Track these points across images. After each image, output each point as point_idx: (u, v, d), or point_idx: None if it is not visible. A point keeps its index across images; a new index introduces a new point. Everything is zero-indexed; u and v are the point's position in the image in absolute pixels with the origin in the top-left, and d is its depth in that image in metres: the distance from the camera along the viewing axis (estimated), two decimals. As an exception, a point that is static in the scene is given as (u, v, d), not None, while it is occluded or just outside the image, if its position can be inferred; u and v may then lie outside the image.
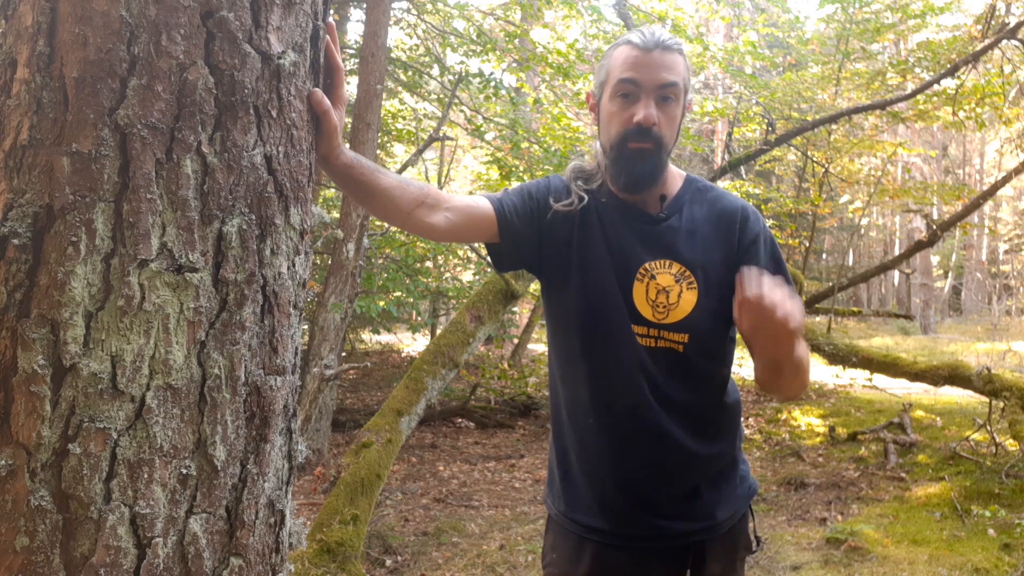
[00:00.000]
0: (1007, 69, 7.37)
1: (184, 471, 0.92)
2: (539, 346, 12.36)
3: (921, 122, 8.37)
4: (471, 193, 3.19)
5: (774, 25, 11.05)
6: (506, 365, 9.07)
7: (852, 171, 9.59)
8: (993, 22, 7.19)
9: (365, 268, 6.34)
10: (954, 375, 5.37)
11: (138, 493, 0.89)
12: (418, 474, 5.88)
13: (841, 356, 5.96)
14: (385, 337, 13.48)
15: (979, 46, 6.89)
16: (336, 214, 6.93)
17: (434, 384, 4.25)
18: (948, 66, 6.87)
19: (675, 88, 1.41)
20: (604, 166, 1.51)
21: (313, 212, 1.13)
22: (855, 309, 10.07)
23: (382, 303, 6.60)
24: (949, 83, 7.29)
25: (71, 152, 0.89)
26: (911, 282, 17.97)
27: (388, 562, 3.95)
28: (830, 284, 8.77)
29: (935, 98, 7.50)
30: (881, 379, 6.52)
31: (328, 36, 1.15)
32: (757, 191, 10.20)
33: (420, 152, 5.12)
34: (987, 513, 4.37)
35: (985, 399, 5.50)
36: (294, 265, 1.05)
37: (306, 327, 5.85)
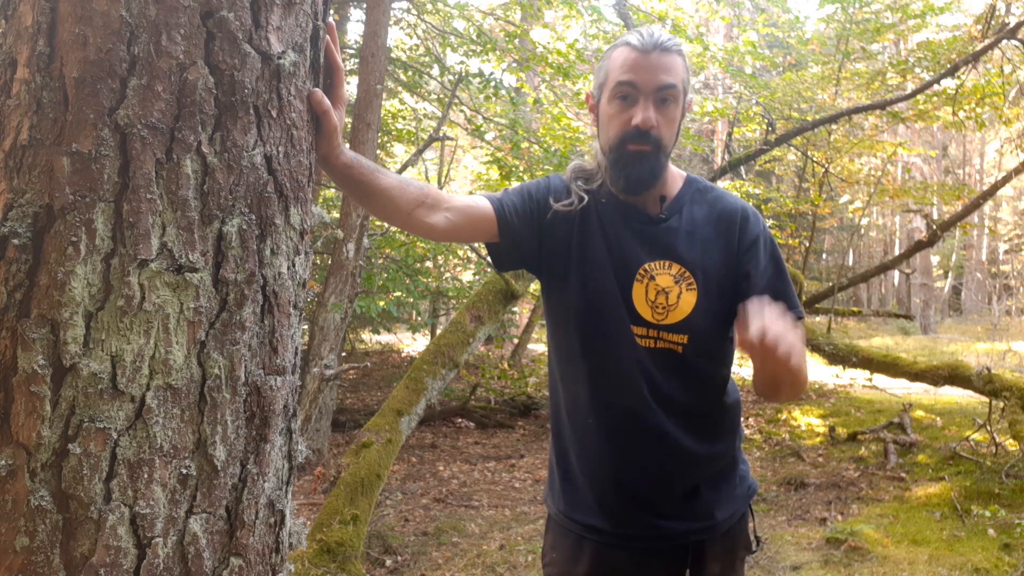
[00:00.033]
0: (1007, 69, 7.37)
1: (184, 471, 0.92)
2: (539, 346, 12.36)
3: (921, 122, 8.37)
4: (471, 193, 3.19)
5: (774, 25, 11.05)
6: (506, 365, 9.06)
7: (852, 171, 9.59)
8: (993, 22, 7.19)
9: (365, 268, 6.35)
10: (954, 375, 5.37)
11: (138, 493, 0.89)
12: (418, 474, 5.88)
13: (841, 356, 5.96)
14: (385, 337, 13.48)
15: (979, 46, 6.89)
16: (336, 214, 6.94)
17: (434, 384, 4.25)
18: (948, 66, 6.87)
19: (673, 90, 1.40)
20: (604, 167, 1.51)
21: (313, 212, 1.13)
22: (855, 309, 10.07)
23: (382, 303, 6.60)
24: (949, 83, 7.29)
25: (71, 152, 0.89)
26: (911, 282, 17.97)
27: (388, 562, 3.95)
28: (830, 284, 8.77)
29: (935, 98, 7.50)
30: (881, 379, 6.52)
31: (328, 36, 1.15)
32: (757, 191, 10.20)
33: (420, 152, 5.12)
34: (987, 513, 4.37)
35: (985, 399, 5.50)
36: (294, 265, 1.05)
37: (306, 327, 5.85)
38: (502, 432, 7.46)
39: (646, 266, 1.45)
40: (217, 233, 0.95)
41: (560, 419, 1.57)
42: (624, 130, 1.41)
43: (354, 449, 3.70)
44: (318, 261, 7.48)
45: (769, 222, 9.84)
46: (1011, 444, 5.36)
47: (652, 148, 1.42)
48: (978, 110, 7.44)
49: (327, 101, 1.10)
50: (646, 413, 1.45)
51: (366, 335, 11.97)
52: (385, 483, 4.19)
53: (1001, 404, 5.04)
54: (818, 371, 9.87)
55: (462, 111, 8.34)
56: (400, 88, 9.27)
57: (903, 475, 5.47)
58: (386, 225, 5.92)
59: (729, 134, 10.67)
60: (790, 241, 10.10)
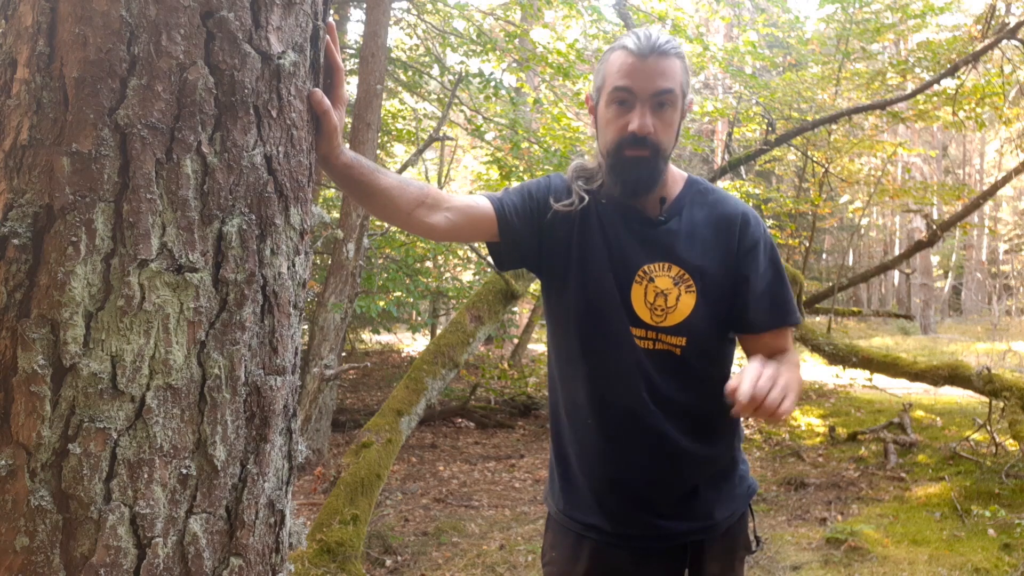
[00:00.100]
0: (1007, 69, 7.37)
1: (184, 471, 0.92)
2: (539, 346, 12.36)
3: (921, 122, 8.37)
4: (471, 193, 3.19)
5: (774, 25, 11.05)
6: (506, 365, 9.07)
7: (852, 171, 9.59)
8: (993, 22, 7.19)
9: (365, 268, 6.34)
10: (954, 375, 5.37)
11: (138, 493, 0.89)
12: (418, 474, 5.88)
13: (841, 356, 5.96)
14: (385, 337, 13.48)
15: (979, 46, 6.89)
16: (336, 214, 6.94)
17: (434, 384, 4.25)
18: (948, 66, 6.87)
19: (671, 95, 1.39)
20: (602, 170, 1.51)
21: (313, 212, 1.13)
22: (855, 309, 10.08)
23: (382, 303, 6.60)
24: (949, 83, 7.29)
25: (71, 152, 0.89)
26: (911, 282, 17.97)
27: (388, 562, 3.95)
28: (830, 284, 8.77)
29: (935, 98, 7.50)
30: (881, 379, 6.52)
31: (328, 36, 1.15)
32: (757, 191, 10.20)
33: (420, 152, 5.12)
34: (987, 513, 4.37)
35: (985, 399, 5.50)
36: (294, 265, 1.05)
37: (306, 327, 5.85)
38: (502, 432, 7.46)
39: (645, 268, 1.45)
40: (217, 233, 0.95)
41: (560, 419, 1.57)
42: (621, 135, 1.41)
43: (354, 449, 3.70)
44: (318, 261, 7.47)
45: (769, 222, 9.87)
46: (1011, 444, 5.36)
47: (650, 153, 1.41)
48: (978, 110, 7.44)
49: (327, 101, 1.10)
50: (645, 414, 1.45)
51: (366, 335, 11.97)
52: (385, 483, 4.19)
53: (1001, 404, 5.04)
54: (818, 371, 9.88)
55: (462, 111, 8.34)
56: (400, 88, 9.27)
57: (903, 475, 5.47)
58: (386, 225, 5.92)
59: (729, 134, 10.67)
60: (790, 241, 10.10)
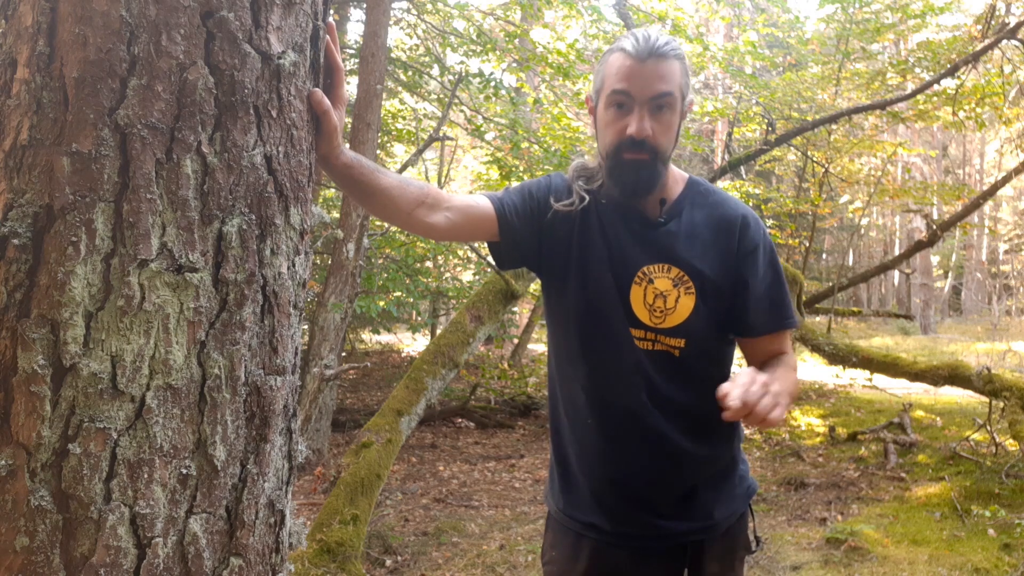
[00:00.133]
0: (1007, 69, 7.37)
1: (184, 471, 0.92)
2: (539, 346, 12.36)
3: (921, 122, 8.37)
4: (471, 193, 3.19)
5: (774, 25, 11.05)
6: (506, 365, 9.07)
7: (852, 171, 9.60)
8: (993, 22, 7.19)
9: (365, 268, 6.35)
10: (954, 375, 5.37)
11: (138, 493, 0.89)
12: (418, 474, 5.88)
13: (841, 356, 5.96)
14: (385, 337, 13.48)
15: (979, 46, 6.89)
16: (336, 214, 6.94)
17: (434, 384, 4.25)
18: (948, 66, 6.88)
19: (669, 97, 1.39)
20: (602, 170, 1.50)
21: (313, 212, 1.13)
22: (855, 309, 10.08)
23: (382, 303, 6.60)
24: (949, 83, 7.29)
25: (71, 152, 0.89)
26: (911, 282, 17.97)
27: (388, 562, 3.95)
28: (830, 284, 8.77)
29: (935, 98, 7.50)
30: (881, 379, 6.52)
31: (328, 36, 1.15)
32: (757, 191, 10.20)
33: (420, 152, 5.12)
34: (987, 513, 4.37)
35: (985, 399, 5.50)
36: (294, 265, 1.05)
37: (306, 327, 5.85)
38: (502, 432, 7.46)
39: (645, 269, 1.45)
40: (217, 233, 0.95)
41: (559, 419, 1.57)
42: (619, 139, 1.40)
43: (354, 449, 3.70)
44: (318, 261, 7.48)
45: (769, 222, 9.87)
46: (1011, 444, 5.36)
47: (649, 156, 1.40)
48: (978, 110, 7.45)
49: (327, 101, 1.10)
50: (644, 414, 1.45)
51: (366, 335, 11.97)
52: (385, 483, 4.19)
53: (1001, 404, 5.04)
54: (818, 371, 9.89)
55: (462, 111, 8.34)
56: (400, 88, 9.27)
57: (903, 475, 5.47)
58: (386, 225, 5.92)
59: (729, 134, 10.68)
60: (790, 241, 10.10)
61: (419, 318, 9.77)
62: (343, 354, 7.34)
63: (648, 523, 1.49)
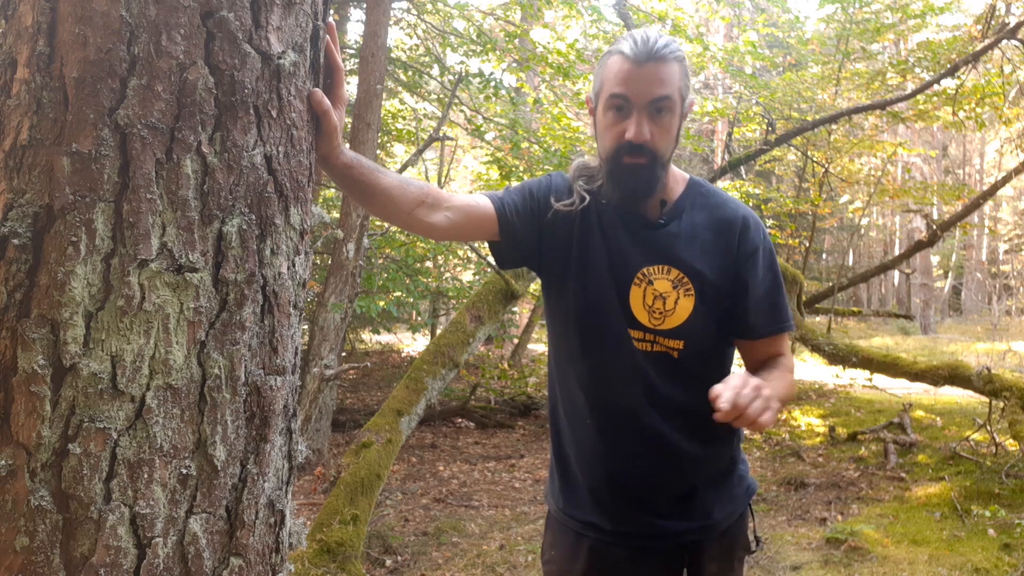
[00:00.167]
0: (1007, 69, 7.38)
1: (184, 471, 0.92)
2: (539, 346, 12.36)
3: (921, 122, 8.37)
4: (471, 193, 3.19)
5: (774, 25, 11.05)
6: (506, 365, 9.07)
7: (852, 171, 9.60)
8: (993, 22, 7.19)
9: (365, 268, 6.35)
10: (954, 375, 5.37)
11: (138, 493, 0.89)
12: (418, 474, 5.88)
13: (841, 356, 5.96)
14: (385, 337, 13.48)
15: (979, 46, 6.89)
16: (336, 214, 6.94)
17: (434, 384, 4.25)
18: (948, 66, 6.88)
19: (668, 101, 1.38)
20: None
21: (313, 212, 1.13)
22: (855, 309, 10.08)
23: (382, 303, 6.60)
24: (949, 83, 7.30)
25: (71, 152, 0.89)
26: (911, 282, 17.97)
27: (388, 562, 3.95)
28: (830, 284, 8.77)
29: (935, 98, 7.51)
30: (881, 379, 6.52)
31: (328, 36, 1.15)
32: (757, 191, 10.20)
33: (420, 152, 5.12)
34: (987, 513, 4.37)
35: (985, 399, 5.50)
36: (294, 265, 1.05)
37: (306, 327, 5.85)
38: (502, 432, 7.46)
39: (644, 270, 1.45)
40: (217, 233, 0.95)
41: (559, 418, 1.57)
42: (618, 143, 1.40)
43: (354, 449, 3.70)
44: (318, 261, 7.48)
45: (769, 222, 9.87)
46: (1011, 444, 5.36)
47: (647, 161, 1.40)
48: (978, 110, 7.45)
49: (327, 101, 1.10)
50: (643, 414, 1.45)
51: (366, 335, 11.97)
52: (385, 483, 4.19)
53: (1001, 404, 5.04)
54: (818, 371, 9.88)
55: (462, 111, 8.34)
56: (400, 88, 9.27)
57: (903, 475, 5.47)
58: (386, 225, 5.92)
59: (729, 134, 10.68)
60: (790, 241, 10.10)
61: (419, 318, 9.77)
62: (343, 354, 7.34)
63: (647, 523, 1.49)
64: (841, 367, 6.27)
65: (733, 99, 9.89)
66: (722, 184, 9.50)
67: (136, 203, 0.90)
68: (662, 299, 1.44)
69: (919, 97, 7.36)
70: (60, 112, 0.90)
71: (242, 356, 0.96)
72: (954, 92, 7.16)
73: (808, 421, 7.54)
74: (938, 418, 7.17)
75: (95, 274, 0.89)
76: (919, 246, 8.35)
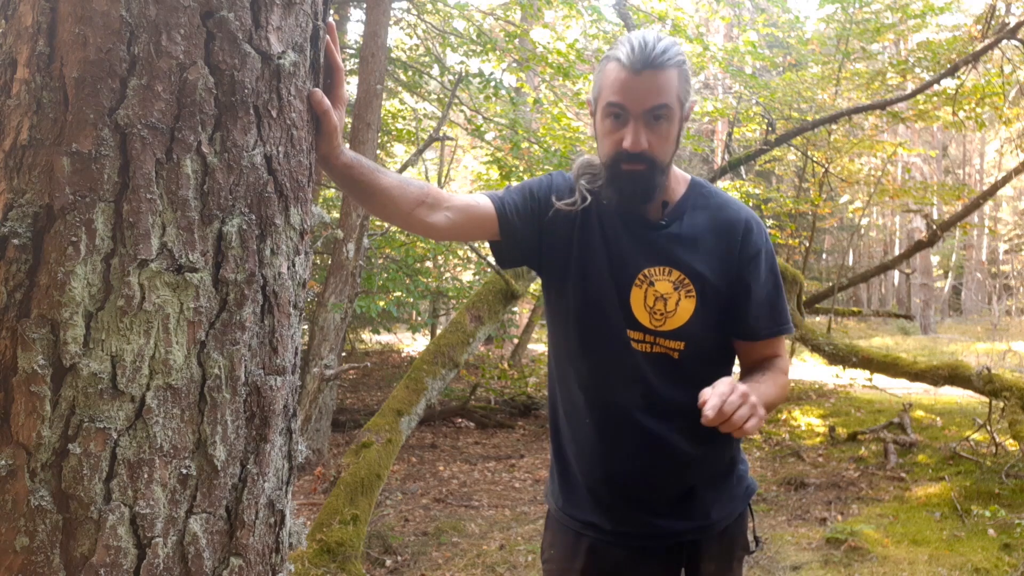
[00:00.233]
0: (1007, 69, 7.38)
1: (184, 471, 0.92)
2: (539, 346, 12.36)
3: (921, 122, 8.37)
4: (471, 192, 3.19)
5: (774, 25, 11.06)
6: (506, 365, 9.07)
7: (852, 171, 9.60)
8: (993, 22, 7.19)
9: (365, 268, 6.35)
10: (954, 375, 5.37)
11: (138, 493, 0.89)
12: (418, 474, 5.88)
13: (841, 356, 5.96)
14: (385, 337, 13.48)
15: (979, 46, 6.89)
16: (336, 214, 6.94)
17: (434, 384, 4.25)
18: (948, 66, 6.88)
19: (666, 109, 1.37)
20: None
21: (313, 212, 1.13)
22: (855, 309, 10.08)
23: (382, 303, 6.60)
24: (949, 83, 7.30)
25: (71, 152, 0.89)
26: (911, 282, 17.97)
27: (388, 562, 3.95)
28: (830, 284, 8.77)
29: (935, 98, 7.51)
30: (881, 379, 6.52)
31: (328, 36, 1.15)
32: (757, 191, 10.20)
33: (420, 152, 5.12)
34: (987, 513, 4.37)
35: (985, 399, 5.50)
36: (294, 265, 1.05)
37: (306, 327, 5.85)
38: (502, 432, 7.46)
39: (645, 271, 1.45)
40: (217, 233, 0.95)
41: (558, 418, 1.57)
42: (616, 149, 1.40)
43: (354, 449, 3.70)
44: (318, 261, 7.48)
45: (769, 222, 9.87)
46: (1011, 444, 5.36)
47: (646, 167, 1.39)
48: (978, 110, 7.45)
49: (327, 101, 1.10)
50: (642, 415, 1.45)
51: (366, 335, 11.97)
52: (385, 483, 4.19)
53: (1001, 404, 5.04)
54: (818, 371, 9.88)
55: (462, 111, 8.34)
56: (400, 88, 9.27)
57: (903, 475, 5.47)
58: (386, 225, 5.92)
59: (729, 134, 10.68)
60: (790, 241, 10.10)
61: (419, 318, 9.77)
62: (343, 354, 7.34)
63: (646, 522, 1.49)
64: (841, 367, 6.27)
65: (733, 99, 9.89)
66: (722, 184, 9.51)
67: (136, 203, 0.90)
68: (663, 300, 1.44)
69: (919, 97, 7.36)
70: (60, 112, 0.90)
71: (242, 356, 0.96)
72: (954, 92, 7.16)
73: (808, 421, 7.54)
74: (938, 418, 7.17)
75: (95, 274, 0.89)
76: (919, 246, 8.35)
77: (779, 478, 5.59)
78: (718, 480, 1.54)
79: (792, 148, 8.99)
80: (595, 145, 1.53)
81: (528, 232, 1.48)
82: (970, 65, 6.84)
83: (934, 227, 7.98)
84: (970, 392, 5.78)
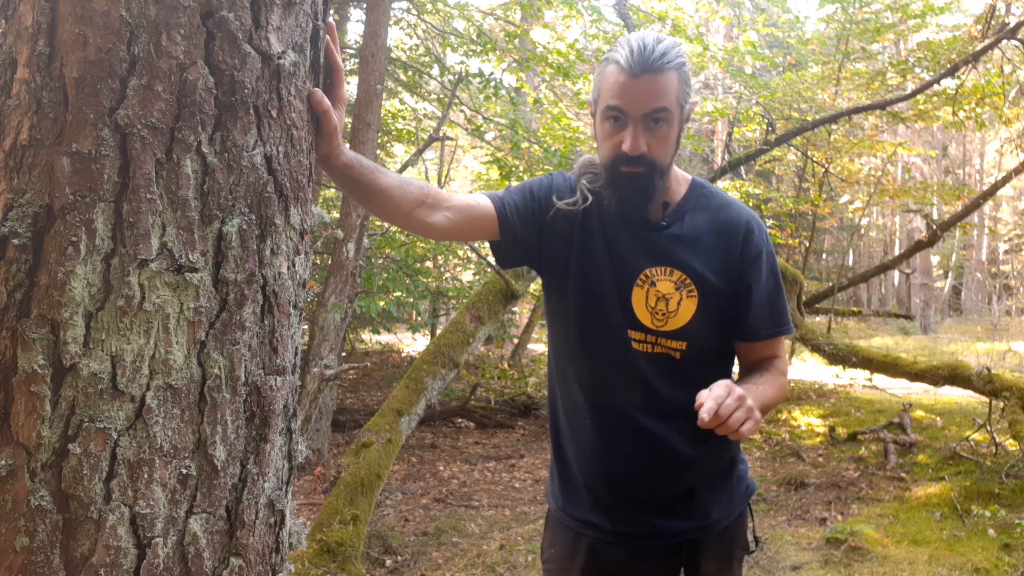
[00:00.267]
0: (1007, 69, 7.38)
1: (184, 471, 0.92)
2: (539, 346, 12.36)
3: (921, 122, 8.37)
4: (471, 192, 3.19)
5: (774, 25, 11.06)
6: (506, 365, 9.07)
7: (852, 171, 9.60)
8: (993, 22, 7.19)
9: (365, 268, 6.35)
10: (954, 375, 5.37)
11: (138, 493, 0.89)
12: (418, 474, 5.88)
13: (841, 356, 5.96)
14: (385, 337, 13.48)
15: (979, 46, 6.89)
16: (336, 214, 6.94)
17: (434, 384, 4.24)
18: (948, 66, 6.88)
19: (665, 112, 1.37)
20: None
21: (313, 212, 1.13)
22: (855, 309, 10.08)
23: (382, 303, 6.60)
24: (949, 83, 7.30)
25: (71, 152, 0.89)
26: (911, 282, 17.97)
27: (388, 562, 3.95)
28: (830, 284, 8.77)
29: (935, 98, 7.51)
30: (881, 379, 6.52)
31: (328, 36, 1.15)
32: (757, 191, 10.20)
33: (420, 152, 5.12)
34: (987, 513, 4.37)
35: (985, 399, 5.50)
36: (294, 265, 1.05)
37: (306, 327, 5.85)
38: (502, 432, 7.46)
39: (647, 272, 1.45)
40: (217, 233, 0.95)
41: (558, 418, 1.57)
42: (616, 152, 1.40)
43: (354, 449, 3.70)
44: (318, 261, 7.48)
45: (769, 222, 9.87)
46: (1011, 444, 5.36)
47: (645, 170, 1.40)
48: (978, 110, 7.45)
49: (327, 101, 1.10)
50: (642, 415, 1.45)
51: (366, 335, 11.97)
52: (385, 483, 4.19)
53: (1001, 404, 5.04)
54: (818, 371, 9.88)
55: (462, 111, 8.34)
56: (400, 88, 9.27)
57: (903, 475, 5.47)
58: (386, 225, 5.92)
59: (729, 134, 10.68)
60: (790, 241, 10.10)
61: (419, 318, 9.77)
62: (343, 354, 7.34)
63: (646, 522, 1.49)
64: (841, 367, 6.27)
65: (733, 99, 9.89)
66: (722, 184, 9.51)
67: (136, 203, 0.90)
68: (665, 300, 1.44)
69: (919, 97, 7.36)
70: (60, 112, 0.90)
71: (242, 356, 0.96)
72: (954, 92, 7.16)
73: (808, 421, 7.54)
74: (938, 418, 7.17)
75: (95, 274, 0.89)
76: (919, 246, 8.35)
77: (779, 478, 5.59)
78: (718, 480, 1.54)
79: (792, 148, 8.99)
80: (595, 145, 1.53)
81: (528, 232, 1.48)
82: (970, 65, 6.84)
83: (934, 227, 7.98)
84: (970, 392, 5.78)
